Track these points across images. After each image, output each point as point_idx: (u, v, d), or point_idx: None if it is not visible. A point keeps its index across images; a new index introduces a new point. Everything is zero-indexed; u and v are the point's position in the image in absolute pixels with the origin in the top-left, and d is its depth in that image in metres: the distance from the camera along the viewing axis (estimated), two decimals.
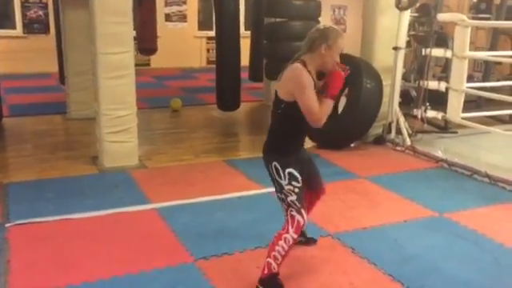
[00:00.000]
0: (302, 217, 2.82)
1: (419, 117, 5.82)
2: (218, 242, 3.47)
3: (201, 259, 3.25)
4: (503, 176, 4.73)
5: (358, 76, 5.60)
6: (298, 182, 2.82)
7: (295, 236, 2.81)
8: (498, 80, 7.48)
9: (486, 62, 7.48)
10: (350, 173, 5.02)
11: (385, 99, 5.86)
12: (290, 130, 2.84)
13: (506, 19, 7.23)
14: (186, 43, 12.84)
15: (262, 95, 8.84)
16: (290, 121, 2.78)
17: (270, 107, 9.46)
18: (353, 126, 5.71)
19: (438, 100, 5.89)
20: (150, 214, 3.96)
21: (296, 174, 2.81)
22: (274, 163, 2.82)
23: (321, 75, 2.81)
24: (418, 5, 6.54)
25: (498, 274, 3.15)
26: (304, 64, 2.70)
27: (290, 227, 2.81)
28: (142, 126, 5.45)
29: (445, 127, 6.32)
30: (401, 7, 5.68)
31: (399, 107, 5.97)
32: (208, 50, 13.42)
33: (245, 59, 8.32)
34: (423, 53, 5.81)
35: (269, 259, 2.83)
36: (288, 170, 2.80)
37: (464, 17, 5.52)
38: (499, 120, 6.89)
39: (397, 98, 5.95)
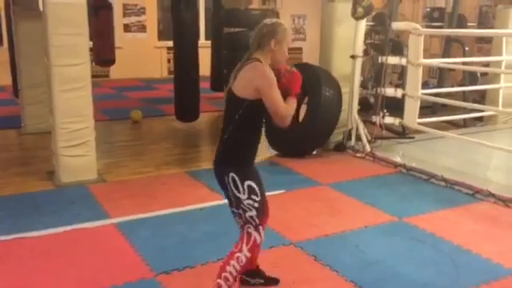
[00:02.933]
0: (260, 234, 2.67)
1: (378, 123, 5.93)
2: (179, 256, 3.42)
3: (162, 274, 3.19)
4: (458, 179, 4.86)
5: (317, 84, 5.67)
6: (257, 195, 2.64)
7: (249, 255, 2.67)
8: (452, 86, 7.71)
9: (441, 69, 7.70)
10: (311, 180, 5.04)
11: (344, 106, 5.94)
12: (250, 134, 2.69)
13: (458, 27, 7.47)
14: (145, 54, 12.70)
15: (222, 105, 8.80)
16: (251, 123, 2.65)
17: None
18: (314, 134, 5.76)
19: (396, 106, 6.02)
20: (109, 230, 3.87)
21: (255, 186, 2.64)
22: (232, 175, 2.62)
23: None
24: (373, 14, 6.70)
25: (455, 275, 3.21)
26: (260, 62, 2.62)
27: (244, 245, 2.65)
28: (101, 138, 5.35)
29: (402, 133, 6.45)
30: (356, 17, 5.78)
31: (358, 114, 6.06)
32: (169, 61, 13.26)
33: (206, 69, 8.30)
34: (380, 60, 5.93)
35: (219, 280, 2.64)
36: (247, 183, 2.62)
37: (417, 25, 5.67)
38: (454, 124, 7.09)
39: (355, 106, 6.05)
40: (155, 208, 4.26)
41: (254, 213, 2.64)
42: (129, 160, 5.75)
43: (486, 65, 7.33)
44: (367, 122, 6.15)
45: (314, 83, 5.70)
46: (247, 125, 2.65)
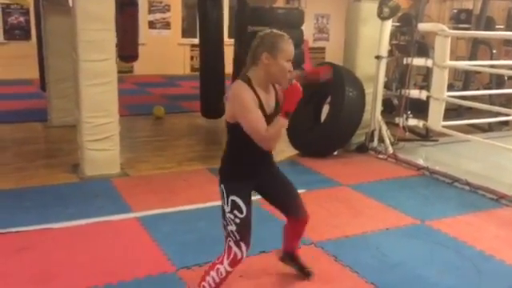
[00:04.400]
0: (241, 250, 2.55)
1: (401, 125, 5.87)
2: (200, 251, 3.44)
3: (182, 269, 3.22)
4: (483, 184, 4.79)
5: (340, 84, 5.64)
6: (241, 212, 2.53)
7: (229, 269, 2.58)
8: (477, 89, 7.60)
9: (466, 72, 7.59)
10: (332, 181, 5.03)
11: (367, 107, 5.90)
12: (238, 152, 2.57)
13: (485, 29, 7.34)
14: (169, 50, 12.82)
15: None
16: (238, 143, 2.52)
17: None
18: (336, 134, 5.74)
19: (419, 108, 5.95)
20: (132, 224, 3.92)
21: (240, 203, 2.52)
22: (222, 186, 2.57)
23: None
24: (399, 14, 6.64)
25: (477, 281, 3.17)
26: (248, 80, 2.42)
27: (225, 258, 2.58)
28: (124, 133, 5.40)
29: (426, 135, 6.39)
30: (383, 17, 5.74)
31: (381, 115, 6.02)
32: (192, 58, 13.40)
33: (229, 67, 8.34)
34: (405, 62, 5.87)
35: None
36: (232, 198, 2.53)
37: (444, 27, 5.59)
38: (479, 128, 6.99)
39: (379, 107, 6.00)
40: (177, 203, 4.30)
41: (233, 227, 2.55)
42: (151, 155, 5.81)
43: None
44: (390, 124, 6.11)
45: (337, 83, 5.68)
46: (236, 145, 2.56)
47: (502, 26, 8.60)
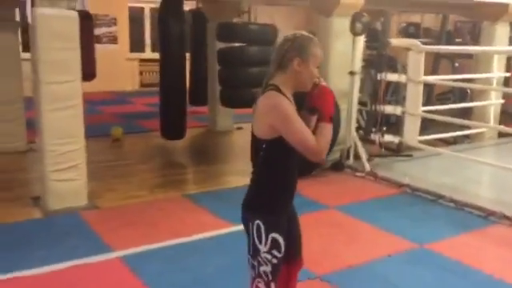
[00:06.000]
0: None
1: (377, 141, 5.79)
2: None
3: None
4: (466, 200, 4.76)
5: (303, 95, 5.47)
6: (279, 251, 2.23)
7: None
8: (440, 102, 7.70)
9: (429, 86, 7.67)
10: (318, 203, 4.82)
11: (341, 124, 5.77)
12: (279, 176, 2.24)
13: (446, 43, 7.48)
14: (117, 66, 12.24)
15: (205, 119, 8.52)
16: (278, 164, 2.21)
17: (216, 133, 9.22)
18: None
19: (384, 122, 5.93)
20: (114, 264, 3.51)
21: (281, 241, 2.22)
22: (257, 222, 2.21)
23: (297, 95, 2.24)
24: None
25: None
26: (277, 89, 2.15)
27: None
28: None
29: (398, 150, 6.35)
30: (355, 32, 5.65)
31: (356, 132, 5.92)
32: (141, 73, 12.90)
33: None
34: (378, 77, 5.81)
35: None
36: (273, 235, 2.21)
37: (418, 42, 5.59)
38: (444, 141, 7.06)
39: (354, 123, 5.90)
40: (160, 238, 3.92)
41: (269, 268, 2.24)
42: (118, 182, 5.37)
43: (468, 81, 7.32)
44: (362, 140, 6.01)
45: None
46: (273, 168, 2.22)
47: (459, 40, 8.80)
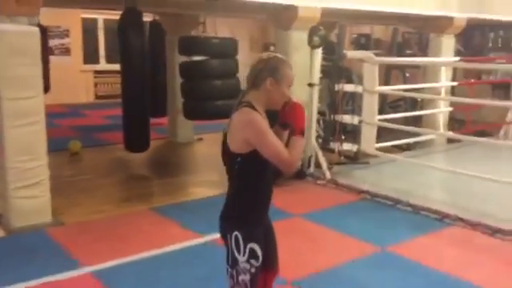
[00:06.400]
0: None
1: (337, 150, 6.01)
2: None
3: None
4: (422, 204, 5.03)
5: (275, 112, 5.63)
6: (257, 261, 2.33)
7: None
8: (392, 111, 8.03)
9: (382, 95, 7.99)
10: (282, 212, 4.94)
11: None
12: (254, 189, 2.33)
13: (398, 55, 7.83)
14: (71, 78, 12.04)
15: (165, 131, 8.53)
16: (253, 177, 2.31)
17: (178, 144, 9.19)
18: None
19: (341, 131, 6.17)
20: (87, 281, 3.51)
21: (258, 250, 2.32)
22: (236, 233, 2.31)
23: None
24: None
25: None
26: (251, 105, 2.26)
27: None
28: None
29: (356, 158, 6.60)
30: (313, 45, 5.86)
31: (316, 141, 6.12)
32: (96, 85, 12.73)
33: None
34: (336, 88, 6.04)
35: None
36: (250, 246, 2.30)
37: (372, 54, 5.86)
38: (398, 148, 7.37)
39: (313, 132, 6.10)
40: (130, 252, 3.94)
41: (247, 277, 2.33)
42: (82, 197, 5.33)
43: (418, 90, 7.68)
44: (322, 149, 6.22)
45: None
46: (248, 180, 2.32)
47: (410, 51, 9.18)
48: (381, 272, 3.72)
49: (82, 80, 12.56)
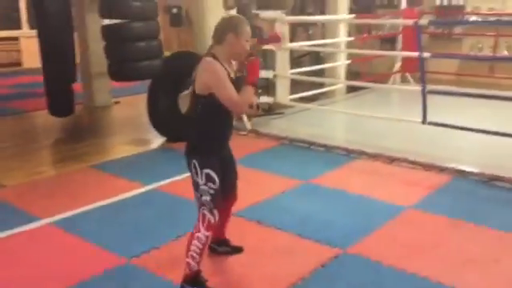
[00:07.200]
0: (214, 216, 2.90)
1: (255, 103, 6.58)
2: (140, 240, 3.59)
3: (133, 258, 3.35)
4: (333, 144, 5.83)
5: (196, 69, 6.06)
6: (214, 183, 2.86)
7: (207, 233, 2.91)
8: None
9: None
10: None
11: None
12: (209, 126, 2.87)
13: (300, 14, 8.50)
14: None
15: (79, 97, 8.55)
16: (210, 116, 2.82)
17: (95, 108, 9.36)
18: None
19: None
20: (49, 230, 3.80)
21: (213, 175, 2.85)
22: (194, 161, 2.85)
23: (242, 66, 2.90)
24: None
25: (370, 216, 4.04)
26: (214, 57, 2.75)
27: (201, 226, 2.89)
28: None
29: (270, 110, 7.26)
30: (227, 6, 6.32)
31: None
32: None
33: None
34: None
35: (187, 259, 2.93)
36: (206, 171, 2.84)
37: (283, 14, 6.45)
38: (306, 99, 8.14)
39: None
40: (86, 202, 4.23)
41: (208, 197, 2.87)
42: (16, 163, 5.44)
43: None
44: None
45: (193, 68, 6.07)
46: (208, 119, 2.83)
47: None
48: (308, 198, 4.43)
49: None
